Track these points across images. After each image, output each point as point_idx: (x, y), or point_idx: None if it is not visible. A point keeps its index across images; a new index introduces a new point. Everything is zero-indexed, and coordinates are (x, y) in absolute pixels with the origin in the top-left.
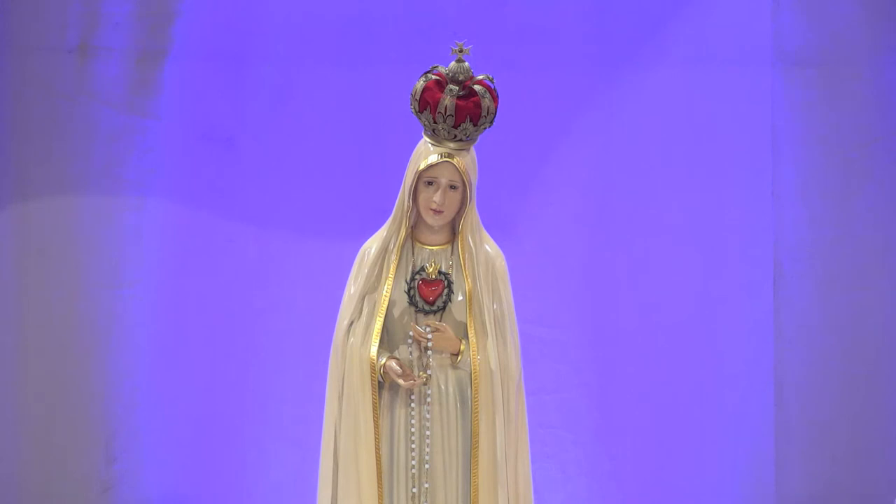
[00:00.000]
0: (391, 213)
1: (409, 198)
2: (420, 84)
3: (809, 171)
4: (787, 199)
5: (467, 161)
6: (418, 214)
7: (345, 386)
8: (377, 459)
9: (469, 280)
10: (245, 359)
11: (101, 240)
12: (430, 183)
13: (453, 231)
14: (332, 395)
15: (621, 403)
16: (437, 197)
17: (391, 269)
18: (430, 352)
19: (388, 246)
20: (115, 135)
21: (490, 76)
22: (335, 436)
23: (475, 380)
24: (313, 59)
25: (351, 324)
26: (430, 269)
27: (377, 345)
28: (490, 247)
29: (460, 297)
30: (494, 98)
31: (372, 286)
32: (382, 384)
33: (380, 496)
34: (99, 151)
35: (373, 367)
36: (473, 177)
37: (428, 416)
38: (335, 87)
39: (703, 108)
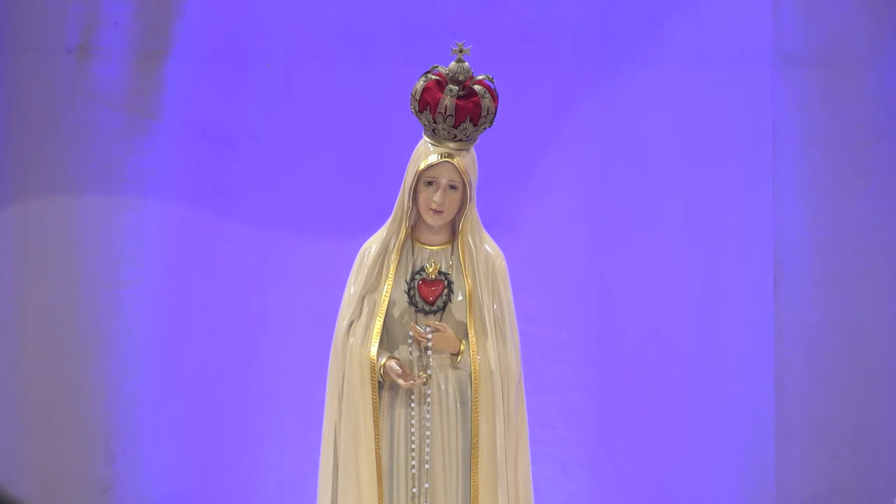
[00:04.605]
0: (391, 213)
1: (408, 198)
2: (420, 84)
3: (809, 171)
4: (787, 199)
5: (467, 161)
6: (418, 214)
7: (345, 386)
8: (377, 460)
9: (469, 280)
10: (245, 359)
11: (101, 240)
12: (430, 183)
13: (453, 231)
14: (331, 396)
15: (621, 403)
16: (437, 197)
17: (391, 269)
18: (430, 352)
19: (388, 246)
20: (115, 135)
21: (490, 76)
22: (335, 436)
23: (475, 380)
24: (313, 59)
25: (351, 324)
26: (430, 270)
27: (377, 345)
28: (490, 247)
29: (460, 297)
30: (494, 98)
31: (372, 286)
32: (382, 384)
33: (380, 496)
34: (99, 151)
35: (373, 367)
36: (473, 177)
37: (428, 416)
38: (335, 87)
39: (703, 108)
